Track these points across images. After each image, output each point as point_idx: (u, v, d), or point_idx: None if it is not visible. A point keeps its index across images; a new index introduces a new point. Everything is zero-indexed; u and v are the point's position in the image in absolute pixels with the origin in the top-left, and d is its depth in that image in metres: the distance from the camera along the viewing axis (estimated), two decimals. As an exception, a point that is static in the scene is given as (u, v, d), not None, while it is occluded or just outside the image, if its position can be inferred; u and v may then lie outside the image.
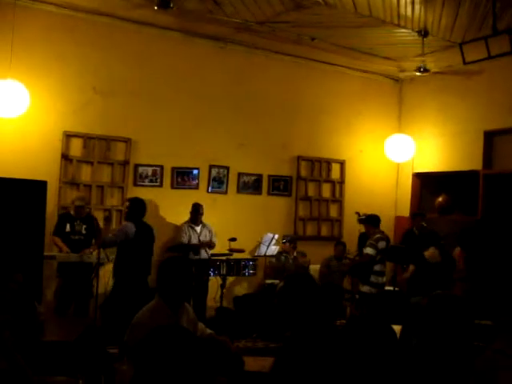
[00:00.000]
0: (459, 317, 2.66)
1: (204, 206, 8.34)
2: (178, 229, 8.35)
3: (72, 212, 7.48)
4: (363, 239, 8.27)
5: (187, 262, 3.84)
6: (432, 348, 2.69)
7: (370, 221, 8.03)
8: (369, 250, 7.76)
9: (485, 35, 6.75)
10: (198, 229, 8.25)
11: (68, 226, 7.41)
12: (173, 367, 1.91)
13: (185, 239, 8.13)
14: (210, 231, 8.36)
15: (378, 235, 7.87)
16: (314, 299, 3.01)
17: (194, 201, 8.35)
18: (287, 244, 8.90)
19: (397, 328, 4.66)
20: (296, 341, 2.85)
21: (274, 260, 8.83)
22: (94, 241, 7.39)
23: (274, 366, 2.92)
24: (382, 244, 7.79)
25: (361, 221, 8.36)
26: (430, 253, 7.69)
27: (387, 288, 8.34)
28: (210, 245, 8.26)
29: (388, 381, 2.26)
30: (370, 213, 8.30)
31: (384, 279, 7.92)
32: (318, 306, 3.06)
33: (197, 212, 8.22)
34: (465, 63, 7.10)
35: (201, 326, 4.01)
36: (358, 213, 8.59)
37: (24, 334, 2.52)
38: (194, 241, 8.14)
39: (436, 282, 7.29)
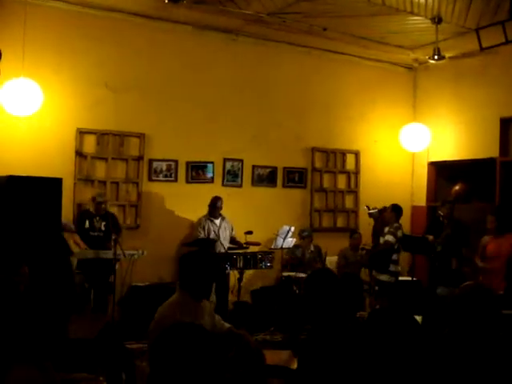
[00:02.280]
0: (488, 308, 2.64)
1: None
2: (195, 223, 8.33)
3: (91, 209, 7.47)
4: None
5: (210, 256, 3.79)
6: (460, 338, 2.66)
7: (397, 210, 7.98)
8: (389, 238, 7.74)
9: (501, 20, 6.64)
10: (218, 222, 8.21)
11: (87, 223, 7.40)
12: (187, 365, 1.88)
13: (202, 234, 8.10)
14: (229, 225, 8.34)
15: (396, 224, 7.86)
16: (338, 293, 2.97)
17: (210, 195, 8.32)
18: (305, 239, 8.85)
19: (417, 319, 4.63)
20: (320, 335, 2.82)
21: (289, 254, 8.76)
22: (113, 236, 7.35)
23: (300, 362, 2.89)
24: (400, 233, 7.79)
25: (370, 215, 8.25)
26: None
27: (405, 278, 8.30)
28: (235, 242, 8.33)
29: (415, 372, 2.23)
30: (382, 204, 8.23)
31: (399, 268, 7.89)
32: (342, 299, 3.03)
33: (215, 205, 8.18)
34: (482, 49, 6.99)
35: (218, 318, 4.00)
36: (367, 206, 8.39)
37: (47, 331, 2.50)
38: (214, 234, 8.10)
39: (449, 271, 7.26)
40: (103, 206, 7.46)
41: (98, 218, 7.45)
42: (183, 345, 1.89)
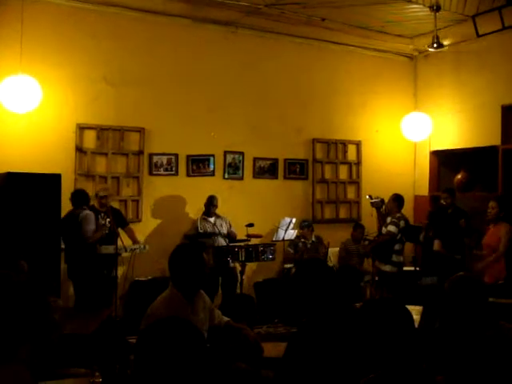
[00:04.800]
0: (477, 298, 2.64)
1: (220, 194, 8.31)
2: (193, 222, 8.32)
3: (96, 205, 7.43)
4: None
5: (198, 249, 3.71)
6: (453, 330, 2.67)
7: (399, 200, 7.95)
8: (391, 228, 7.72)
9: (498, 6, 6.59)
10: (212, 219, 8.19)
11: None
12: (168, 361, 1.85)
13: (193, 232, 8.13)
14: (225, 222, 8.31)
15: (399, 214, 7.84)
16: (327, 284, 2.96)
17: (211, 188, 8.34)
18: (305, 229, 8.83)
19: (418, 308, 4.62)
20: (310, 326, 2.81)
21: (290, 249, 8.74)
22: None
23: (286, 351, 2.89)
24: (402, 223, 7.77)
25: (373, 204, 8.21)
26: None
27: (408, 268, 8.28)
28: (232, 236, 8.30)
29: (402, 364, 2.22)
30: (385, 194, 8.20)
31: (402, 258, 7.88)
32: (334, 291, 3.02)
33: (210, 204, 8.16)
34: (478, 36, 6.95)
35: (217, 313, 3.98)
36: (370, 196, 8.35)
37: (36, 332, 2.47)
38: (209, 230, 8.11)
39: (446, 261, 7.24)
40: (105, 200, 7.40)
41: (102, 215, 7.39)
42: (163, 341, 1.87)
